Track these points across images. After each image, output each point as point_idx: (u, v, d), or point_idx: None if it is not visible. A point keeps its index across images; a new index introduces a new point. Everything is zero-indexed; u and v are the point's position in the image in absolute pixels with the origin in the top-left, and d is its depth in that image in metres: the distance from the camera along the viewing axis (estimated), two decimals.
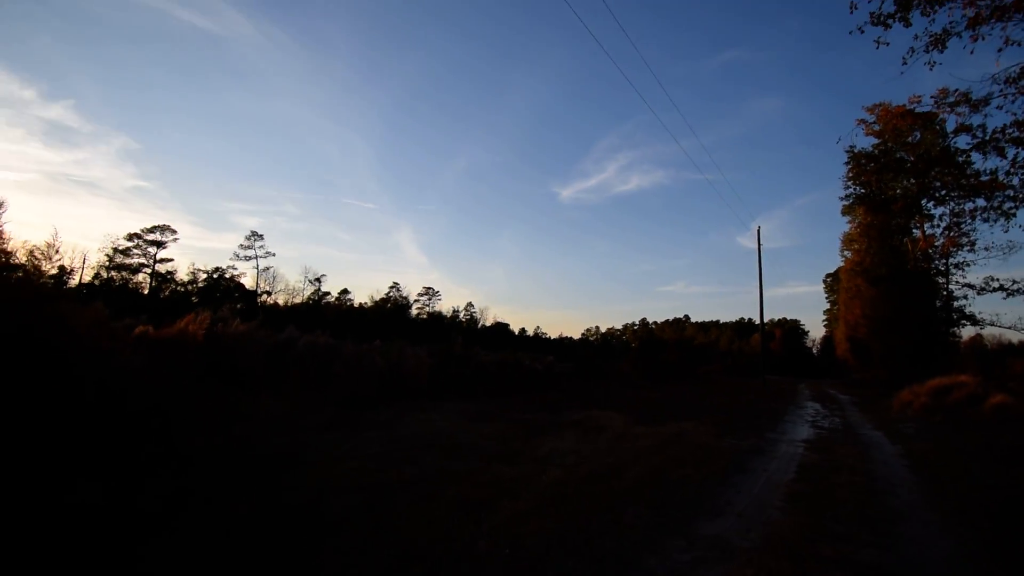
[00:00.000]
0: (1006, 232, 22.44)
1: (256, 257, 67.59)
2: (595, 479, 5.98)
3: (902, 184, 25.50)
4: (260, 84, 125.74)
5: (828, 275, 69.50)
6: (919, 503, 5.43)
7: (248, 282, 66.45)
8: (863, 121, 25.15)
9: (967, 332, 26.09)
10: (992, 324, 24.09)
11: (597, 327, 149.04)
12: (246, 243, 66.36)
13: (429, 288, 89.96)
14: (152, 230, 61.68)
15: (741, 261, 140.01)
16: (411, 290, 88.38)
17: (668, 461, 7.13)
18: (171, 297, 56.42)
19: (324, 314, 65.12)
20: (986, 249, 23.90)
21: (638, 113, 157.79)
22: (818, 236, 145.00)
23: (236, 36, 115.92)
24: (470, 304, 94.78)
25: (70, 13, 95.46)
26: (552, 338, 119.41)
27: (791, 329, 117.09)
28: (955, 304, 25.11)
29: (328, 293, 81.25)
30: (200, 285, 64.89)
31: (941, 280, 25.36)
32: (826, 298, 74.34)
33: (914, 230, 26.84)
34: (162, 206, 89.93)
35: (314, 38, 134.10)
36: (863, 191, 26.21)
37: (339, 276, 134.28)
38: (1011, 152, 16.06)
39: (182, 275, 62.81)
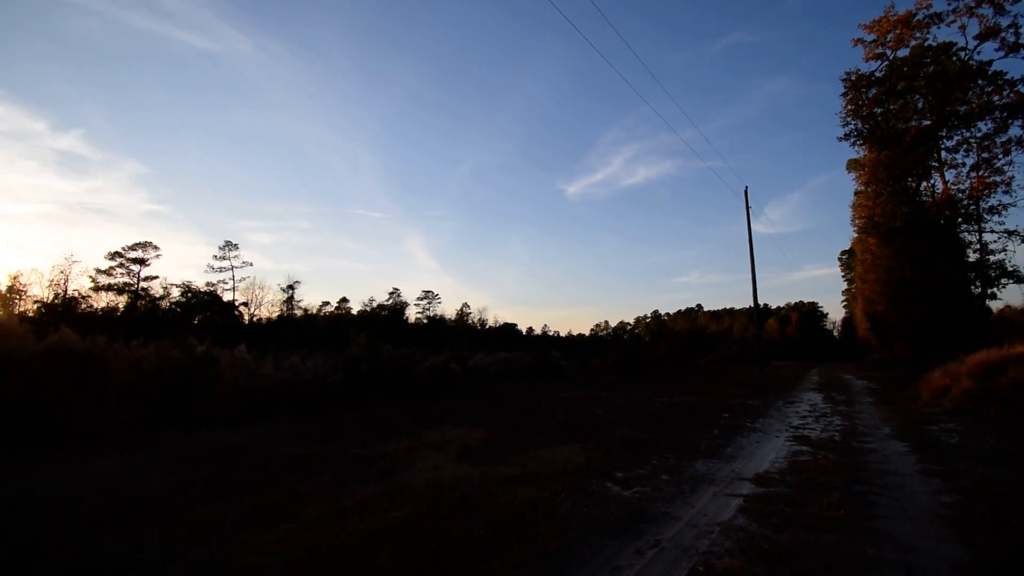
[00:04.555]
0: None
1: (232, 268, 63.95)
2: None
3: (913, 113, 20.37)
4: (262, 100, 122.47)
5: (843, 252, 64.48)
6: None
7: (238, 296, 62.98)
8: (861, 41, 20.09)
9: (1009, 294, 20.95)
10: None
11: (606, 322, 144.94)
12: (220, 254, 62.80)
13: (428, 292, 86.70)
14: (134, 247, 58.53)
15: (756, 248, 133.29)
16: (413, 295, 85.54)
17: None
18: (138, 315, 52.90)
19: (298, 325, 61.33)
20: None
21: (640, 104, 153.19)
22: (835, 216, 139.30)
23: (235, 53, 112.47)
24: (465, 305, 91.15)
25: (72, 42, 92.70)
26: (561, 335, 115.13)
27: (808, 312, 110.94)
28: (991, 259, 19.97)
29: (329, 303, 78.00)
30: (173, 300, 61.61)
31: (971, 230, 20.15)
32: (843, 277, 69.32)
33: (933, 176, 21.79)
34: (177, 229, 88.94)
35: (311, 50, 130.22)
36: (865, 127, 21.00)
37: (352, 287, 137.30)
38: None
39: (165, 293, 59.72)
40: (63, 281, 48.84)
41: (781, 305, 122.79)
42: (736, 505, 4.34)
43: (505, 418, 9.57)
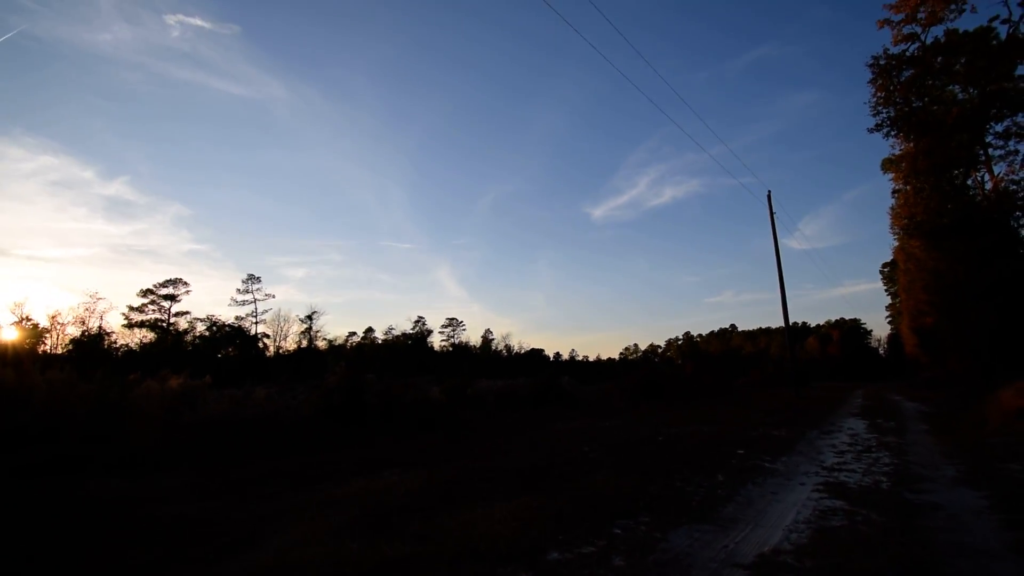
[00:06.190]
0: None
1: (255, 301, 64.35)
2: None
3: (952, 103, 18.11)
4: (296, 141, 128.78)
5: (885, 264, 60.51)
6: None
7: (264, 328, 63.34)
8: (888, 22, 18.11)
9: None
10: None
11: (636, 345, 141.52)
12: (243, 287, 63.38)
13: (452, 319, 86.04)
14: (164, 284, 59.65)
15: (791, 264, 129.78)
16: (437, 323, 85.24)
17: None
18: (162, 349, 53.25)
19: (319, 356, 60.67)
20: None
21: (663, 125, 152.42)
22: (874, 229, 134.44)
23: (269, 98, 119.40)
24: (488, 331, 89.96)
25: (117, 95, 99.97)
26: (589, 360, 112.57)
27: (850, 329, 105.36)
28: None
29: (356, 333, 77.97)
30: (198, 335, 62.21)
31: None
32: (886, 291, 64.98)
33: (980, 170, 19.36)
34: (216, 266, 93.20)
35: (340, 92, 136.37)
36: (900, 113, 18.76)
37: (384, 317, 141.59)
38: None
39: (194, 328, 60.58)
40: (89, 318, 49.64)
41: (821, 323, 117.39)
42: None
43: (466, 458, 7.90)
